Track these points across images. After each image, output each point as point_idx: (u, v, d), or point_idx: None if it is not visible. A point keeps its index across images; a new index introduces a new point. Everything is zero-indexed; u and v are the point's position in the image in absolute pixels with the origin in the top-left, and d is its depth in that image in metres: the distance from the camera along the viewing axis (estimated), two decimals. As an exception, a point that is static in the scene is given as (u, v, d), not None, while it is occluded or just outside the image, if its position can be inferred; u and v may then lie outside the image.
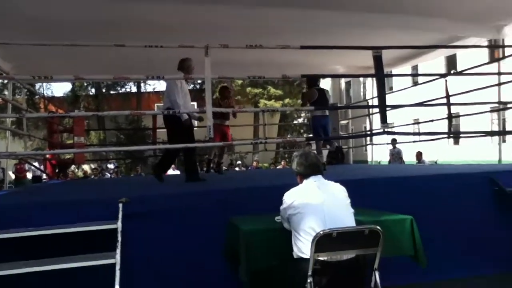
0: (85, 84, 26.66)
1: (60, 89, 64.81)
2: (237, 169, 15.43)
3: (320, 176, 2.83)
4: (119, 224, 3.04)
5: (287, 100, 25.60)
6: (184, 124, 4.83)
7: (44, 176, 10.77)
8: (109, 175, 17.16)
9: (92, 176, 15.93)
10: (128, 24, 5.62)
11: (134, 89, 28.52)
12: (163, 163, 5.37)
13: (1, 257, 2.83)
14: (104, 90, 28.58)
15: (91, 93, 28.70)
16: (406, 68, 10.99)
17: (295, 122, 27.42)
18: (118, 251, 2.86)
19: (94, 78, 10.05)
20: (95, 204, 3.40)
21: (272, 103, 24.86)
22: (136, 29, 5.86)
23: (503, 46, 7.69)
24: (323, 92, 6.54)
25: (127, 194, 3.47)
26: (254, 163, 18.65)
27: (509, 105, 6.04)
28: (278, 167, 17.58)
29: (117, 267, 2.74)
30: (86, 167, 21.39)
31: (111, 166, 21.47)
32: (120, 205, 3.22)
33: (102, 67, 7.17)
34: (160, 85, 30.39)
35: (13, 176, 15.03)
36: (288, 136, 24.87)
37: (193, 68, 4.95)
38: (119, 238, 2.95)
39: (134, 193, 3.87)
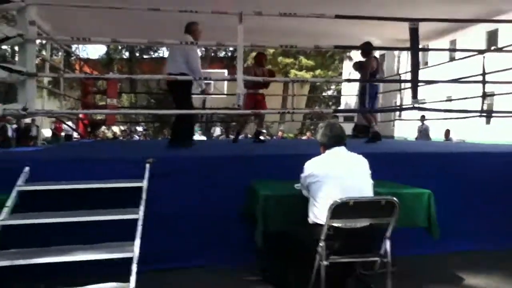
0: (119, 47, 26.99)
1: (95, 51, 65.96)
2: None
3: (343, 147, 2.86)
4: (144, 183, 3.18)
5: (318, 72, 25.27)
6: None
7: (75, 134, 11.18)
8: (137, 137, 17.57)
9: (121, 138, 16.30)
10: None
11: (166, 54, 28.70)
12: (185, 131, 5.12)
13: (37, 207, 3.03)
14: (137, 54, 28.90)
15: (124, 57, 29.09)
16: (444, 43, 10.60)
17: (324, 94, 27.13)
18: (142, 207, 2.99)
19: (130, 41, 10.14)
20: (124, 163, 3.55)
21: (303, 74, 24.61)
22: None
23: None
24: (377, 61, 6.45)
25: (153, 155, 3.59)
26: (280, 133, 18.67)
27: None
28: (303, 138, 17.54)
29: (140, 222, 2.87)
30: (115, 128, 21.99)
31: (139, 128, 21.98)
32: (147, 165, 3.36)
33: (137, 30, 7.21)
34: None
35: (49, 134, 15.66)
36: (316, 107, 24.66)
37: (200, 32, 4.90)
38: (144, 196, 3.08)
39: (159, 154, 4.01)
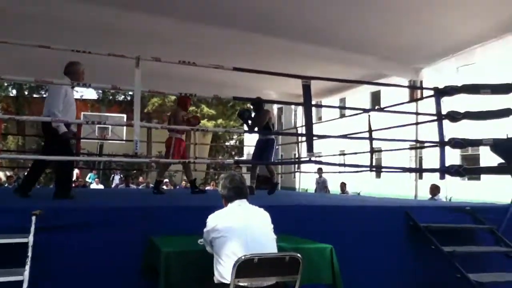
0: (5, 84, 24.85)
1: (-25, 87, 59.71)
2: (164, 187, 15.03)
3: (244, 200, 2.81)
4: (30, 238, 2.80)
5: (220, 121, 25.67)
6: (63, 136, 4.27)
7: None
8: (25, 183, 15.89)
9: (6, 185, 14.66)
10: (58, 24, 5.35)
11: (60, 94, 27.04)
12: (29, 178, 4.64)
13: None
14: (26, 93, 26.82)
15: (11, 94, 26.80)
16: (335, 100, 11.51)
17: (227, 143, 27.50)
18: (27, 267, 2.64)
19: (14, 78, 9.32)
20: (4, 214, 3.10)
21: (205, 123, 24.79)
22: (66, 30, 5.59)
23: (420, 88, 8.35)
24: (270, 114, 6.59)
25: (42, 205, 3.22)
26: (183, 183, 18.30)
27: (426, 144, 6.49)
28: (207, 188, 17.39)
29: (25, 285, 2.53)
30: (0, 174, 19.70)
31: (27, 174, 19.98)
32: (33, 217, 2.96)
33: (24, 67, 6.70)
34: (88, 93, 29.13)
35: None
36: (220, 157, 24.82)
37: (82, 72, 4.42)
38: (30, 253, 2.71)
39: (50, 204, 3.59)
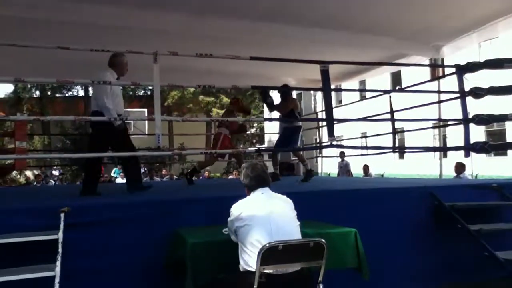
0: (29, 85, 25.45)
1: (0, 90, 61.37)
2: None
3: (267, 188, 2.84)
4: (60, 235, 2.88)
5: (239, 110, 25.65)
6: (118, 129, 4.36)
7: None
8: (53, 182, 16.39)
9: (35, 183, 15.15)
10: (75, 26, 5.44)
11: (81, 93, 27.57)
12: (88, 180, 4.61)
13: None
14: (49, 93, 27.42)
15: (35, 95, 27.43)
16: (354, 83, 11.37)
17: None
18: (58, 263, 2.71)
19: (36, 80, 9.48)
20: (35, 212, 3.20)
21: (225, 112, 24.83)
22: (83, 31, 5.69)
23: (441, 66, 8.17)
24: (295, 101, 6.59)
25: (69, 203, 3.31)
26: (206, 173, 18.50)
27: (449, 122, 6.38)
28: (229, 177, 17.53)
29: (57, 280, 2.59)
30: (29, 173, 20.31)
31: (55, 172, 20.55)
32: (62, 214, 3.06)
33: (45, 68, 6.86)
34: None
35: None
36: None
37: (126, 63, 4.52)
38: (60, 250, 2.79)
39: (76, 202, 3.70)
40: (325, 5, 5.74)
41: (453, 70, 5.27)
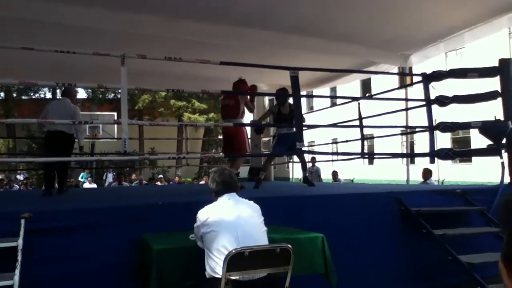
0: (-7, 87, 24.57)
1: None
2: (158, 183, 15.05)
3: (234, 194, 2.81)
4: (20, 242, 2.77)
5: (211, 115, 25.55)
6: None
7: None
8: (17, 186, 15.81)
9: (-3, 188, 14.58)
10: (40, 26, 5.27)
11: (48, 95, 26.80)
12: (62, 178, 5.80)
13: None
14: (15, 95, 26.54)
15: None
16: (326, 90, 11.51)
17: (220, 137, 27.44)
18: (18, 271, 2.60)
19: None
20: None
21: (197, 117, 24.67)
22: (50, 31, 5.53)
23: (408, 74, 8.36)
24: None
25: (31, 208, 3.20)
26: (177, 178, 18.29)
27: (416, 129, 6.52)
28: (200, 183, 17.40)
29: None
30: (-9, 177, 19.53)
31: (20, 177, 19.86)
32: (22, 220, 2.94)
33: (8, 70, 6.62)
34: (77, 93, 28.83)
35: None
36: (213, 151, 24.77)
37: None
38: (19, 257, 2.68)
39: (39, 207, 3.57)
40: (298, 12, 5.79)
41: (420, 78, 5.40)
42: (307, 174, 6.71)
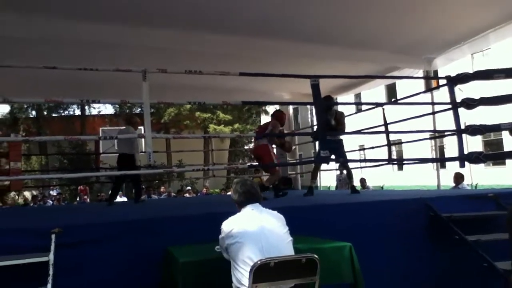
0: (25, 106, 25.45)
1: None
2: (187, 195, 15.21)
3: (257, 204, 2.79)
4: (51, 257, 2.84)
5: (236, 125, 25.65)
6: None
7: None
8: (51, 202, 16.24)
9: (32, 204, 15.01)
10: (60, 44, 5.42)
11: (78, 112, 27.54)
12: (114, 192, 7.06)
13: None
14: (45, 113, 27.40)
15: (31, 115, 27.43)
16: (350, 96, 11.39)
17: (246, 147, 27.44)
18: (50, 286, 2.66)
19: (24, 101, 9.41)
20: (25, 234, 3.13)
21: (222, 128, 24.79)
22: (69, 50, 5.67)
23: (431, 78, 8.20)
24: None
25: (63, 223, 3.27)
26: (204, 189, 18.43)
27: (446, 133, 6.36)
28: (228, 193, 17.47)
29: None
30: (27, 194, 20.15)
31: (53, 192, 20.40)
32: (53, 235, 3.01)
33: (34, 88, 6.85)
34: (105, 108, 29.56)
35: None
36: (240, 161, 24.84)
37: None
38: (51, 272, 2.75)
39: (67, 221, 3.64)
40: (316, 20, 5.77)
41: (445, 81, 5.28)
42: (339, 181, 6.73)
